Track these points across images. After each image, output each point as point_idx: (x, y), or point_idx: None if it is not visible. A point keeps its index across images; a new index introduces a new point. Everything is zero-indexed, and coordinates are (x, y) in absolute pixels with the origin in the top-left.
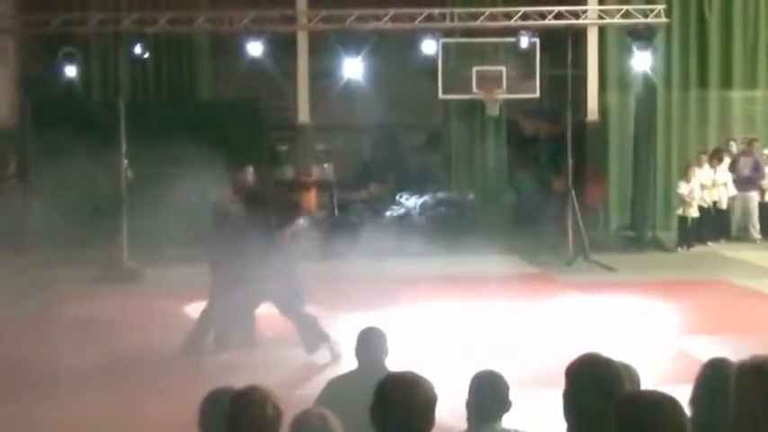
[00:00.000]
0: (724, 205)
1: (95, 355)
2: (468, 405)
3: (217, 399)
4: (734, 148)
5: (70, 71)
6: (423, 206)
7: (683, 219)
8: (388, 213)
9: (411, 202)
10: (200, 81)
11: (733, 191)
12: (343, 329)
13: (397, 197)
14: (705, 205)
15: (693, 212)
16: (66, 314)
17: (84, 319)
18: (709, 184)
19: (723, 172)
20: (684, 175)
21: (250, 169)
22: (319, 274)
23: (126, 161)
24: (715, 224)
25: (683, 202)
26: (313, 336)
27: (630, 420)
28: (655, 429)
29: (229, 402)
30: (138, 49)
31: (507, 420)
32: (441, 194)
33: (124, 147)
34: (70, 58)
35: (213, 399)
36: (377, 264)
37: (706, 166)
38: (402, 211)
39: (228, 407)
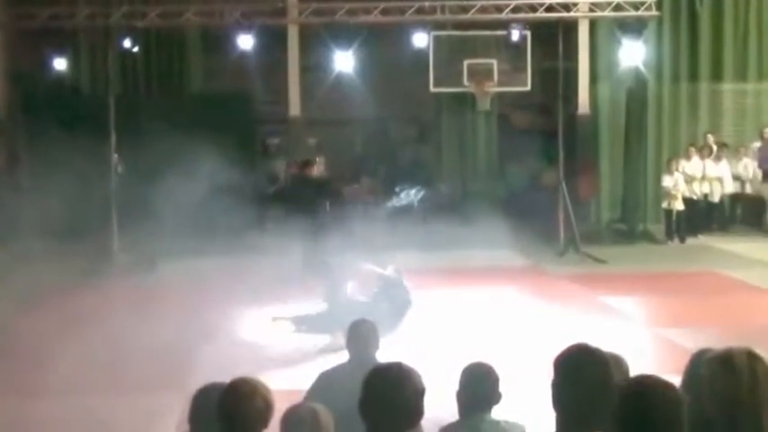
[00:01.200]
0: (716, 198)
1: (88, 348)
2: (459, 396)
3: (207, 394)
4: (711, 141)
5: (59, 65)
6: (422, 199)
7: (667, 212)
8: (389, 204)
9: (411, 194)
10: (190, 74)
11: (730, 186)
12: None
13: (396, 190)
14: (695, 197)
15: (678, 205)
16: (57, 307)
17: (76, 311)
18: (698, 177)
19: (720, 166)
20: (667, 168)
21: (320, 159)
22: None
23: (116, 155)
24: (707, 217)
25: (668, 195)
26: None
27: (632, 407)
28: (656, 415)
29: (219, 396)
30: (127, 43)
31: (497, 411)
32: (440, 187)
33: (114, 140)
34: (59, 52)
35: (203, 394)
36: (369, 258)
37: (695, 159)
38: (404, 202)
39: (218, 400)
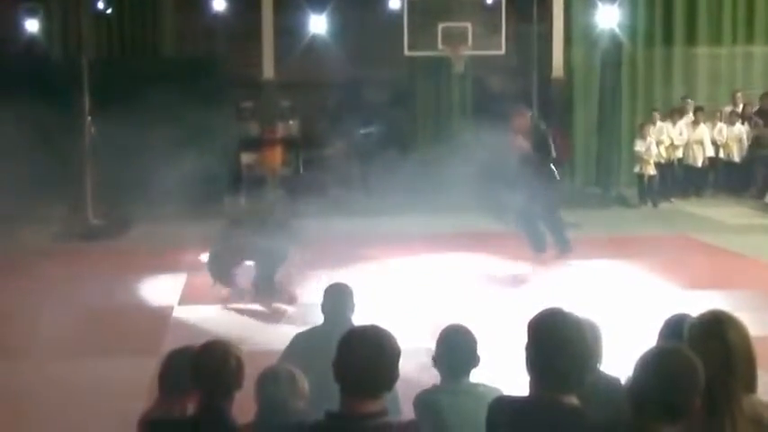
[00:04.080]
0: (699, 163)
1: (59, 312)
2: (437, 360)
3: (177, 357)
4: (690, 106)
5: (31, 26)
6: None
7: (639, 176)
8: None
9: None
10: (163, 37)
11: (709, 150)
12: (310, 286)
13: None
14: (662, 161)
15: (651, 170)
16: (29, 271)
17: (49, 275)
18: (668, 141)
19: (698, 130)
20: (640, 132)
21: (528, 113)
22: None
23: (89, 118)
24: (683, 181)
25: (640, 159)
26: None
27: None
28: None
29: (192, 357)
30: (100, 4)
31: (475, 374)
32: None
33: (87, 103)
34: (31, 14)
35: (174, 357)
36: (344, 221)
37: (659, 123)
38: (370, 130)
39: (192, 364)
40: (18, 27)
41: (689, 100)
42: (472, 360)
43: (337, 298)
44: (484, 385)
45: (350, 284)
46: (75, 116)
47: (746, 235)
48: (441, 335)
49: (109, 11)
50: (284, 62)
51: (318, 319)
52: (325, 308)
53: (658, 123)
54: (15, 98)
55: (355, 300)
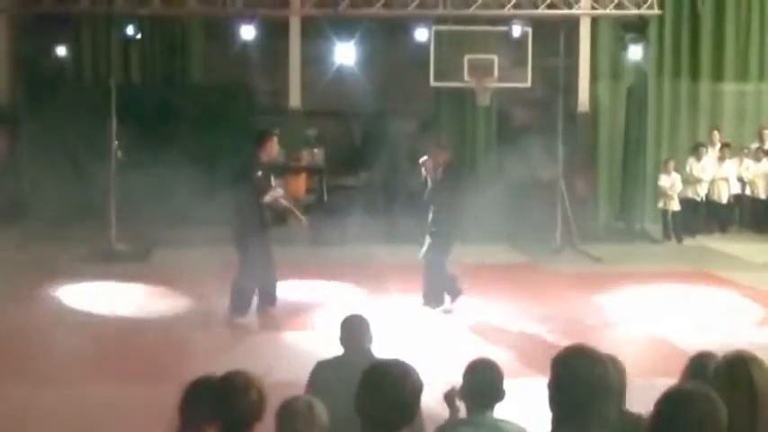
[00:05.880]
0: (724, 200)
1: (78, 337)
2: (462, 393)
3: (198, 387)
4: (717, 138)
5: (62, 51)
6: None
7: (664, 212)
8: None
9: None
10: (191, 64)
11: (735, 187)
12: (333, 316)
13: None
14: (698, 198)
15: (675, 206)
16: (51, 293)
17: (69, 299)
18: (706, 179)
19: (724, 166)
20: (665, 168)
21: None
22: (308, 260)
23: (116, 142)
24: (708, 217)
25: (664, 195)
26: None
27: (669, 415)
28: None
29: (213, 387)
30: (130, 31)
31: (500, 409)
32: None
33: (115, 127)
34: (62, 39)
35: (195, 387)
36: (366, 250)
37: (705, 159)
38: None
39: (213, 395)
40: (49, 51)
41: (716, 132)
42: (497, 394)
43: (353, 330)
44: (508, 421)
45: (366, 316)
46: (102, 140)
47: None
48: (467, 368)
49: (138, 37)
50: (311, 91)
51: (339, 348)
52: (344, 340)
53: (704, 159)
54: (45, 122)
55: (372, 331)
